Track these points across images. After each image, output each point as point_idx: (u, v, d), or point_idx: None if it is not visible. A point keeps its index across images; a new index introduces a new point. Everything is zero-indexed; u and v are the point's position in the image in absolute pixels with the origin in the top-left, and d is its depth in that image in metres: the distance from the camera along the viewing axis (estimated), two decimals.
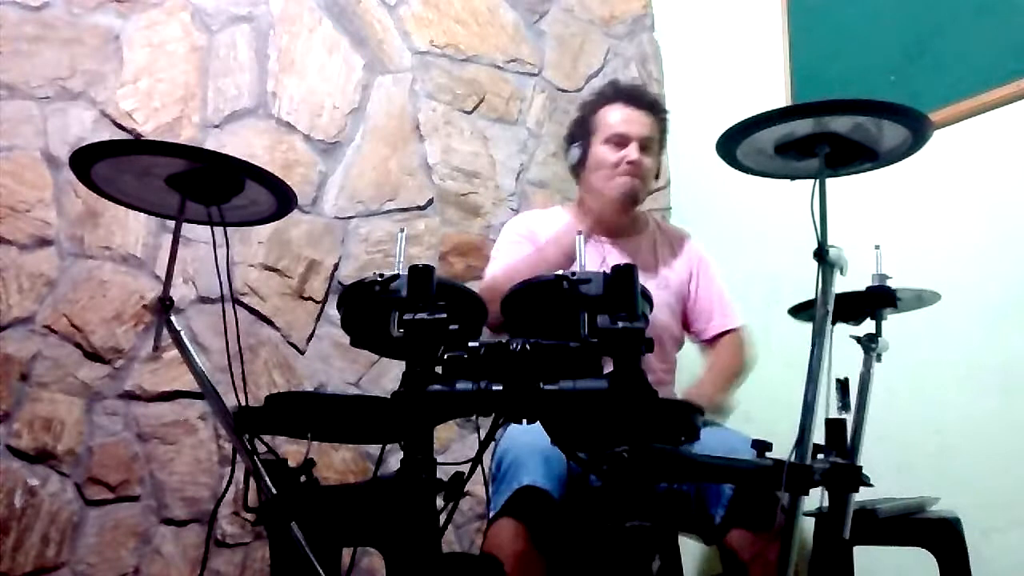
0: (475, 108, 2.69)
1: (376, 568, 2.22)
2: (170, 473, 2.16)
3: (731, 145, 1.42)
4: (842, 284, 1.40)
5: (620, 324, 1.09)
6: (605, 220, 1.92)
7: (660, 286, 1.92)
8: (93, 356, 2.14)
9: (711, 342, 1.99)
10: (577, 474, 1.54)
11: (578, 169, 1.99)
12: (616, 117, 1.94)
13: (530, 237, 1.94)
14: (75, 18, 2.25)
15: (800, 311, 1.61)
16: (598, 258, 1.86)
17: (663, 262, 1.98)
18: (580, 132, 1.99)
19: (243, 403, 1.35)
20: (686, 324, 2.01)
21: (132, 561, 2.10)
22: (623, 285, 1.13)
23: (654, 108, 1.97)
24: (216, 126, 2.36)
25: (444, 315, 1.13)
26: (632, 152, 1.89)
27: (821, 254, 1.36)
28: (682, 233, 2.10)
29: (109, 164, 1.33)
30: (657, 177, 2.03)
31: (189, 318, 2.21)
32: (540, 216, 2.08)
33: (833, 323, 1.36)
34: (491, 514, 1.55)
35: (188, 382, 1.98)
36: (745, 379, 1.97)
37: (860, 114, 1.35)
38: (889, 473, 1.57)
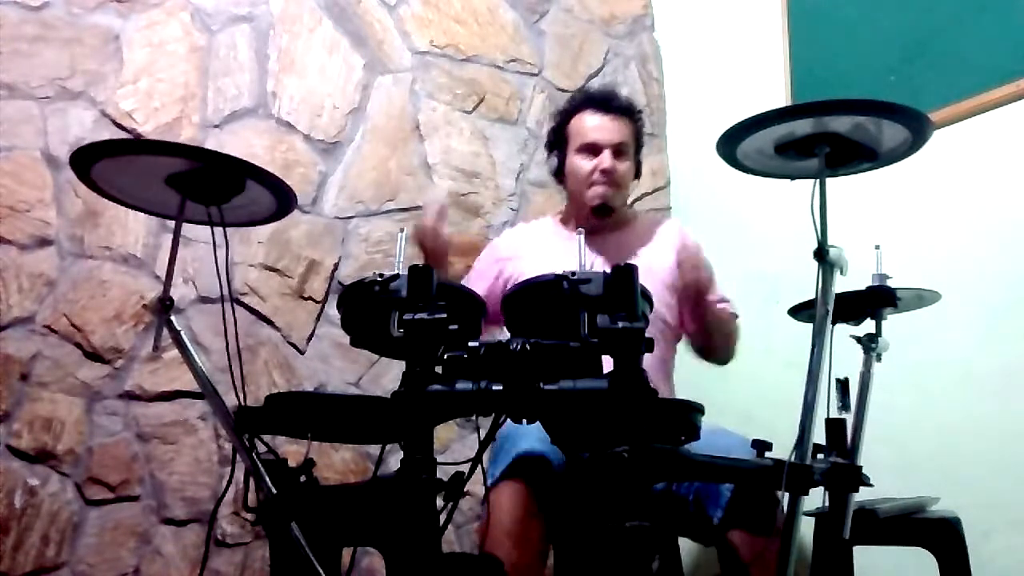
0: (475, 108, 2.69)
1: (376, 568, 2.22)
2: (170, 473, 2.16)
3: (731, 145, 1.42)
4: (842, 284, 1.40)
5: (620, 324, 1.09)
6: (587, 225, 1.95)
7: (646, 276, 1.90)
8: (93, 356, 2.14)
9: None
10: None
11: (559, 176, 2.04)
12: (587, 125, 1.95)
13: (503, 262, 1.98)
14: (75, 18, 2.25)
15: (800, 311, 1.61)
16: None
17: (649, 251, 1.97)
18: (556, 141, 2.03)
19: (243, 403, 1.35)
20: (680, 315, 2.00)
21: (132, 561, 2.09)
22: (623, 285, 1.13)
23: (626, 112, 1.97)
24: (216, 126, 2.36)
25: (444, 315, 1.13)
26: (605, 160, 1.92)
27: (821, 254, 1.36)
28: (669, 222, 2.12)
29: (109, 164, 1.33)
30: (638, 177, 2.05)
31: (189, 318, 2.21)
32: (524, 232, 2.12)
33: (833, 323, 1.36)
34: (490, 483, 1.56)
35: (188, 382, 1.98)
36: (722, 346, 1.94)
37: (860, 114, 1.35)
38: (889, 473, 1.57)
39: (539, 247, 1.98)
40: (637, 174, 2.04)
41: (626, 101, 2.02)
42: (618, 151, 1.93)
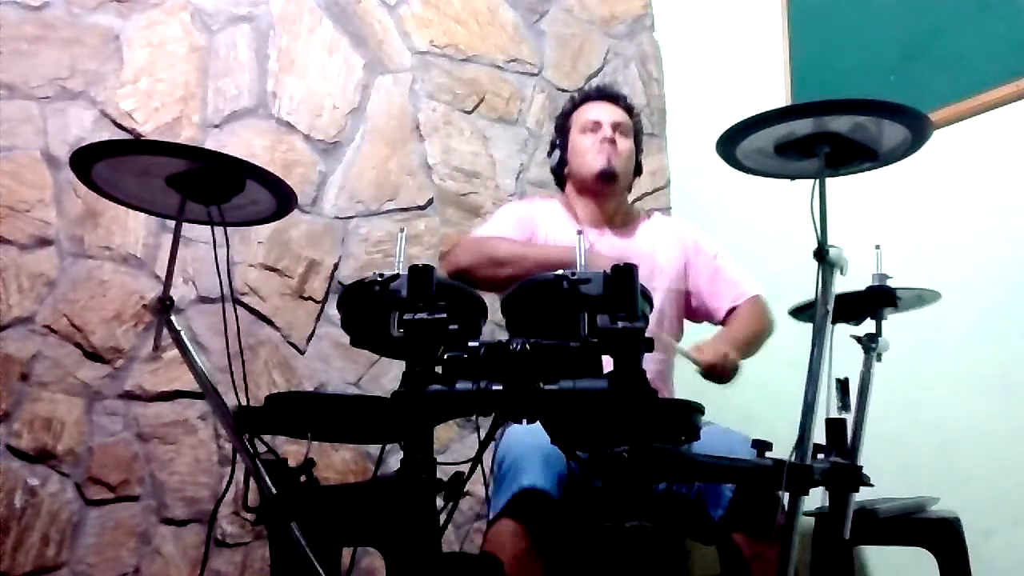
0: (475, 108, 2.69)
1: (376, 568, 2.22)
2: (170, 473, 2.16)
3: (731, 145, 1.42)
4: (842, 284, 1.40)
5: (620, 324, 1.09)
6: (592, 200, 2.01)
7: (656, 273, 1.93)
8: (93, 356, 2.14)
9: (728, 316, 1.97)
10: (577, 475, 1.54)
11: (559, 171, 2.08)
12: (589, 109, 2.04)
13: (529, 221, 1.98)
14: (75, 18, 2.25)
15: (800, 311, 1.61)
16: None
17: (657, 249, 1.99)
18: (559, 135, 2.09)
19: (243, 403, 1.35)
20: (690, 312, 2.01)
21: (132, 561, 2.10)
22: (623, 285, 1.13)
23: (625, 101, 2.08)
24: (216, 126, 2.36)
25: (444, 315, 1.13)
26: (607, 131, 1.99)
27: (821, 254, 1.36)
28: (674, 220, 2.13)
29: (109, 164, 1.33)
30: (638, 174, 2.10)
31: (189, 318, 2.21)
32: (539, 206, 2.10)
33: (833, 323, 1.36)
34: (491, 515, 1.55)
35: (188, 382, 1.98)
36: (764, 342, 1.93)
37: (860, 114, 1.35)
38: (889, 473, 1.57)
39: (553, 224, 1.99)
40: (638, 171, 2.09)
41: (626, 96, 2.11)
42: (619, 128, 2.00)
